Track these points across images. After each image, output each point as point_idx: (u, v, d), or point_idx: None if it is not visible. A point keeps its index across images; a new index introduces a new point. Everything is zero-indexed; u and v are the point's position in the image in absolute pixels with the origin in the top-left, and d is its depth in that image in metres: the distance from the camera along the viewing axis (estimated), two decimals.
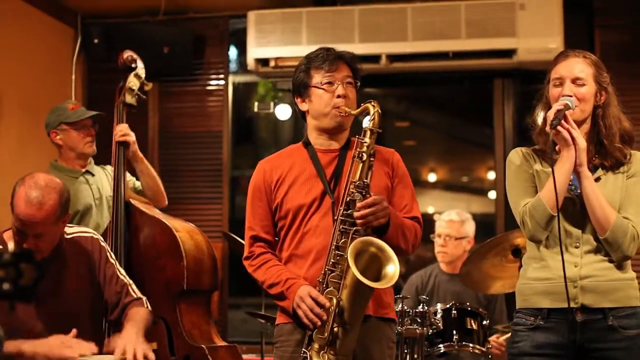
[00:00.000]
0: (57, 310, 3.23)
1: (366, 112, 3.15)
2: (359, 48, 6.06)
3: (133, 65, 4.47)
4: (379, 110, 3.12)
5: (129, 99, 4.42)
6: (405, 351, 4.39)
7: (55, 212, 3.16)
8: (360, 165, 3.06)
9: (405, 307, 4.44)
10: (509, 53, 6.13)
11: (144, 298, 3.43)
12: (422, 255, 6.45)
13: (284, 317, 3.20)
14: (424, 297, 4.63)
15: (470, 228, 5.40)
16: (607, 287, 3.02)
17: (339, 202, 3.10)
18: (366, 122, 3.14)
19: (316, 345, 3.00)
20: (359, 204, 3.00)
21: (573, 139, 2.98)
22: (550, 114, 2.98)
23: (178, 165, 6.79)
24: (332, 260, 3.03)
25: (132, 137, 4.33)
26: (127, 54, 4.48)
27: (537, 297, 3.09)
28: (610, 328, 3.01)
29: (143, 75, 4.46)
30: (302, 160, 3.25)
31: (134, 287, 3.43)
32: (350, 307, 2.96)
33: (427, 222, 5.72)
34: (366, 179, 3.05)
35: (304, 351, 3.02)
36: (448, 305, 4.59)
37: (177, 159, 6.81)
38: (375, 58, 6.22)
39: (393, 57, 6.27)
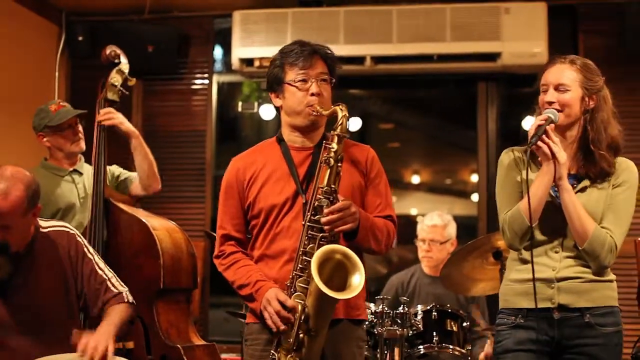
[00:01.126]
0: (29, 304, 3.21)
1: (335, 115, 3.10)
2: (343, 49, 6.08)
3: (116, 61, 4.43)
4: (347, 115, 3.07)
5: (111, 95, 4.39)
6: (385, 352, 4.38)
7: (22, 204, 3.11)
8: (328, 170, 3.03)
9: (386, 308, 4.44)
10: (493, 57, 6.15)
11: (125, 291, 3.39)
12: (404, 257, 6.47)
13: (253, 317, 3.19)
14: (405, 298, 4.64)
15: (452, 230, 5.41)
16: (583, 288, 3.10)
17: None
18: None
19: (283, 351, 3.01)
20: (326, 210, 2.98)
21: (553, 153, 3.03)
22: (532, 128, 3.04)
23: (161, 164, 6.65)
24: (299, 265, 3.02)
25: (117, 118, 4.31)
26: (110, 49, 4.44)
27: (517, 298, 3.17)
28: (587, 325, 3.09)
29: (126, 71, 4.43)
30: (275, 158, 3.22)
31: (113, 280, 3.39)
32: (315, 314, 2.96)
33: (411, 224, 5.74)
34: (334, 184, 3.02)
35: (273, 353, 3.03)
36: (428, 307, 4.60)
37: (160, 158, 6.65)
38: (359, 59, 6.24)
39: (378, 59, 6.28)
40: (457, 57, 6.21)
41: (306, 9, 6.40)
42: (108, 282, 3.36)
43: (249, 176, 3.20)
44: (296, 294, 3.00)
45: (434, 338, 4.52)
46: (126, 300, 3.36)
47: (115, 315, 3.25)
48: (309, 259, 2.96)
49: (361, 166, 3.23)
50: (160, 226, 4.13)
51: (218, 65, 6.95)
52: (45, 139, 4.39)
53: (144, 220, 4.11)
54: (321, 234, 3.00)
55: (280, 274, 3.11)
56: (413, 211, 7.09)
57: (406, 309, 4.50)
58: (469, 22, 6.15)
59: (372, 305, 4.50)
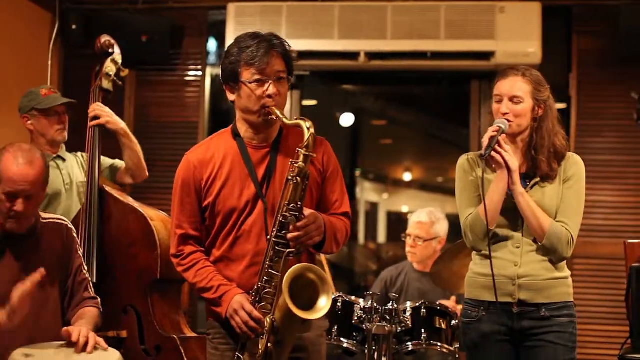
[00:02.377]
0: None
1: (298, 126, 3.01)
2: (338, 44, 6.08)
3: (110, 51, 4.43)
4: (314, 133, 2.98)
5: (106, 84, 4.40)
6: (374, 348, 4.39)
7: (43, 173, 3.24)
8: (292, 188, 2.97)
9: (375, 304, 4.45)
10: (487, 55, 6.17)
11: (98, 299, 3.45)
12: (395, 253, 6.47)
13: (213, 316, 3.18)
14: (394, 294, 4.64)
15: (441, 228, 5.38)
16: (542, 285, 3.34)
17: (271, 207, 3.06)
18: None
19: (248, 354, 3.03)
20: (292, 227, 2.96)
21: (505, 162, 3.22)
22: (485, 139, 3.23)
23: (153, 155, 6.71)
24: (265, 278, 3.01)
25: (104, 117, 4.30)
26: (105, 38, 4.44)
27: (480, 291, 3.41)
28: (542, 317, 3.34)
29: (120, 61, 4.43)
30: (233, 156, 3.14)
31: (91, 284, 3.47)
32: (283, 327, 2.99)
33: (402, 222, 5.75)
34: (300, 201, 2.97)
35: (238, 355, 3.05)
36: (418, 304, 4.60)
37: (152, 149, 6.73)
38: (354, 55, 6.23)
39: (372, 55, 6.28)
40: (451, 55, 6.22)
41: (301, 3, 6.39)
42: (89, 283, 3.44)
43: (206, 175, 3.13)
44: (262, 304, 3.01)
45: (423, 335, 4.53)
46: (99, 307, 3.42)
47: (92, 319, 3.29)
48: (275, 272, 2.98)
49: (317, 163, 3.15)
50: (156, 217, 4.14)
51: (212, 58, 6.94)
52: (29, 122, 4.38)
53: (141, 210, 4.12)
54: (288, 250, 2.98)
55: (242, 278, 3.10)
56: (404, 208, 7.10)
57: (395, 305, 4.51)
58: (464, 20, 6.16)
59: (361, 300, 4.50)
